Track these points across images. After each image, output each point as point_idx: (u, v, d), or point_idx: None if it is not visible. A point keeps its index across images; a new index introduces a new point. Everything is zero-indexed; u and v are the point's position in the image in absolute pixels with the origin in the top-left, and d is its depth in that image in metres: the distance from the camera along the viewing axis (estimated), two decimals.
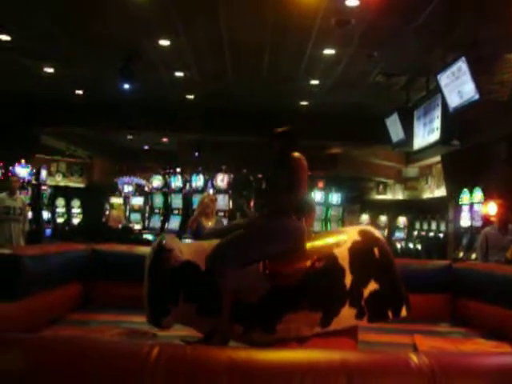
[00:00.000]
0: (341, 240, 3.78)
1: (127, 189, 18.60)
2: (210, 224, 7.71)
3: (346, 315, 3.55)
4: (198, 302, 3.50)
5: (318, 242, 3.82)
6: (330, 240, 3.85)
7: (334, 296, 3.58)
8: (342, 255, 3.64)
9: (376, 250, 3.72)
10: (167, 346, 1.63)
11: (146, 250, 5.89)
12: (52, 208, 16.66)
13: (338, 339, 3.55)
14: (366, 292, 3.59)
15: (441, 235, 14.41)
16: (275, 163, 4.00)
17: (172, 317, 3.48)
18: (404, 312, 3.70)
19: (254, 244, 3.69)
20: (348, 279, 3.58)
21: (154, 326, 3.52)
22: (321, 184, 16.07)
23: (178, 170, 15.49)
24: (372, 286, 3.61)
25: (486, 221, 9.96)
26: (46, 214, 15.68)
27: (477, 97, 8.17)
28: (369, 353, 1.73)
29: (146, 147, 22.20)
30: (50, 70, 12.05)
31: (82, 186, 21.75)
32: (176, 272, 3.53)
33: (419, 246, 15.95)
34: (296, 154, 3.91)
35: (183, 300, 3.47)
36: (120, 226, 16.30)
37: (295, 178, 3.83)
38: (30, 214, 14.35)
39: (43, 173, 15.44)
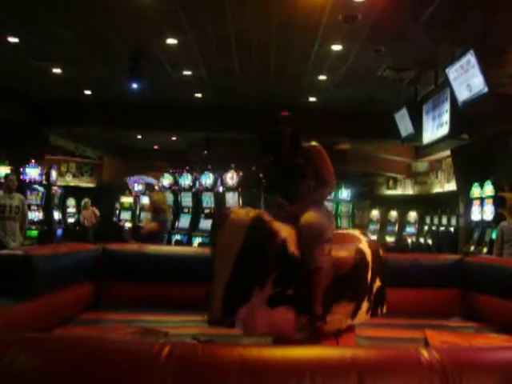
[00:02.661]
0: (357, 237, 3.94)
1: (137, 188, 18.65)
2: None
3: (364, 310, 3.71)
4: (292, 288, 3.31)
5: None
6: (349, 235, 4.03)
7: (363, 289, 3.70)
8: (367, 251, 3.77)
9: (380, 250, 3.98)
10: (178, 344, 1.63)
11: (156, 248, 5.92)
12: (63, 208, 16.72)
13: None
14: (375, 288, 3.70)
15: (451, 229, 14.37)
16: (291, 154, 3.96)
17: (247, 308, 3.21)
18: (385, 309, 3.95)
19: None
20: (369, 274, 3.73)
21: (222, 319, 3.22)
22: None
23: (188, 168, 15.52)
24: (378, 282, 3.82)
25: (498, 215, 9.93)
26: (56, 215, 15.75)
27: (486, 90, 8.12)
28: (379, 349, 1.73)
29: (156, 146, 22.26)
30: (59, 71, 12.10)
31: (92, 185, 21.84)
32: (272, 249, 3.26)
33: (430, 241, 15.91)
34: (315, 144, 3.94)
35: (272, 284, 3.24)
36: (92, 224, 16.37)
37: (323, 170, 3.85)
38: (40, 215, 14.49)
39: (53, 173, 15.50)
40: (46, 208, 14.86)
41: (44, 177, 14.87)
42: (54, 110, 15.03)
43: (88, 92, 14.14)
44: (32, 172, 14.48)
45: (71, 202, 18.25)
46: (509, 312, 4.61)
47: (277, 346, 2.03)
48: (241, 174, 13.90)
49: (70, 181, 21.18)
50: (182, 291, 5.03)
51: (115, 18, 8.92)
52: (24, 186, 13.40)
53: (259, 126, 4.07)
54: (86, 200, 17.06)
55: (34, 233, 13.83)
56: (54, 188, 15.58)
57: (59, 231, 15.54)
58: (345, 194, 15.79)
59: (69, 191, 18.05)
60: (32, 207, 13.97)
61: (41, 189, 14.75)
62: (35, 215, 14.32)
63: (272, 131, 3.98)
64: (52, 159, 18.54)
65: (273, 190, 3.94)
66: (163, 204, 8.16)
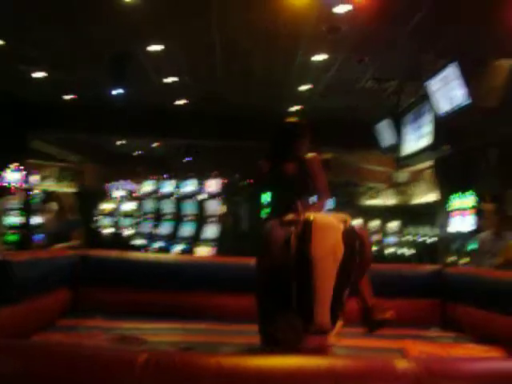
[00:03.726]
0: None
1: (118, 194, 18.55)
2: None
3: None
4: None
5: None
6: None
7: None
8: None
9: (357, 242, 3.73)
10: (155, 352, 1.63)
11: (136, 255, 5.90)
12: (43, 213, 16.55)
13: None
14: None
15: (432, 240, 14.43)
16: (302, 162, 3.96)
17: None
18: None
19: None
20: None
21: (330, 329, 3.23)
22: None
23: (169, 174, 15.48)
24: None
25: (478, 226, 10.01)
26: (36, 220, 15.60)
27: (467, 102, 8.20)
28: (356, 359, 1.74)
29: (138, 152, 22.16)
30: (42, 74, 12.02)
31: (73, 190, 21.67)
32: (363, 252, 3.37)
33: (411, 251, 15.96)
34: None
35: None
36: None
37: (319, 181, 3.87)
38: (20, 220, 14.35)
39: (34, 178, 15.36)
40: (26, 213, 14.72)
41: (24, 181, 14.74)
42: (36, 114, 14.91)
43: (71, 96, 14.05)
44: (12, 176, 14.34)
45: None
46: (487, 322, 4.64)
47: (253, 355, 2.03)
48: (223, 181, 13.88)
49: (51, 185, 21.01)
50: (161, 298, 5.02)
51: (99, 22, 8.88)
52: (4, 191, 13.28)
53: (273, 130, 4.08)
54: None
55: (14, 237, 13.69)
56: (35, 192, 15.45)
57: (38, 236, 15.38)
58: (327, 203, 15.77)
59: (50, 196, 17.87)
60: (12, 212, 13.85)
61: (21, 193, 14.61)
62: (15, 220, 14.19)
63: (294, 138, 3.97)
64: (33, 163, 18.38)
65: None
66: (71, 207, 8.08)
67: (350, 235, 3.34)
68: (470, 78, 8.09)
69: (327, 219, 3.31)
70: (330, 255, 3.14)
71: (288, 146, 4.01)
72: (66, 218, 7.84)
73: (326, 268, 3.13)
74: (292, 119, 4.20)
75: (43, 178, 19.99)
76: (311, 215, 3.33)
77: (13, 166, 14.32)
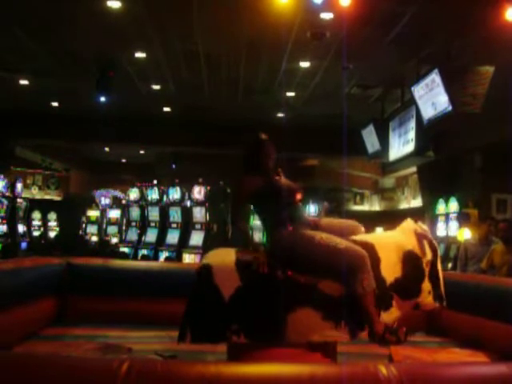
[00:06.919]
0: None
1: (104, 201, 18.49)
2: None
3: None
4: None
5: None
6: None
7: None
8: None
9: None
10: (137, 361, 1.62)
11: (122, 263, 5.87)
12: (28, 221, 16.49)
13: None
14: None
15: None
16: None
17: None
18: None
19: None
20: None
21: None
22: (298, 196, 16.07)
23: (155, 182, 15.45)
24: None
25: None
26: (21, 228, 15.51)
27: (450, 108, 8.27)
28: (338, 365, 1.74)
29: (123, 160, 22.11)
30: (25, 82, 11.98)
31: (58, 198, 21.57)
32: None
33: None
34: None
35: None
36: None
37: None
38: (4, 228, 14.26)
39: (18, 186, 15.28)
40: (11, 221, 14.64)
41: (9, 189, 14.65)
42: (20, 122, 14.83)
43: (55, 104, 14.00)
44: None
45: (36, 215, 18.00)
46: (472, 327, 4.67)
47: (235, 363, 2.03)
48: (208, 188, 13.87)
49: (36, 193, 20.89)
50: (147, 306, 5.00)
51: (83, 30, 8.87)
52: None
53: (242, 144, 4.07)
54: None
55: None
56: (19, 200, 15.37)
57: (24, 244, 15.30)
58: (312, 209, 15.84)
59: (34, 204, 17.80)
60: None
61: (5, 201, 14.53)
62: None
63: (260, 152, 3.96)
64: (17, 171, 18.29)
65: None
66: None
67: None
68: (452, 85, 8.15)
69: None
70: None
71: (268, 161, 4.02)
72: None
73: None
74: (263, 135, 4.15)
75: (28, 186, 19.90)
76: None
77: None
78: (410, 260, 3.76)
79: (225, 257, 3.66)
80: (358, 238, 3.81)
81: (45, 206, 18.60)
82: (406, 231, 3.97)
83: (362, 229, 4.06)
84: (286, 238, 3.67)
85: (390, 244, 3.84)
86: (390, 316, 3.69)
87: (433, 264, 3.84)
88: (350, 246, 3.58)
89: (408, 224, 4.05)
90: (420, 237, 3.87)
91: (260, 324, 3.41)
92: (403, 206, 18.28)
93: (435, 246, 3.95)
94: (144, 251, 14.06)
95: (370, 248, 3.66)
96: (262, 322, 3.38)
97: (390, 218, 18.14)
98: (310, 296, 3.54)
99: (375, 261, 3.63)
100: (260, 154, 3.94)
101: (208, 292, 3.48)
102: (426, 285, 3.79)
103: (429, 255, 3.81)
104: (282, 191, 3.87)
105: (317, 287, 3.56)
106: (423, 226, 4.06)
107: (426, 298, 3.82)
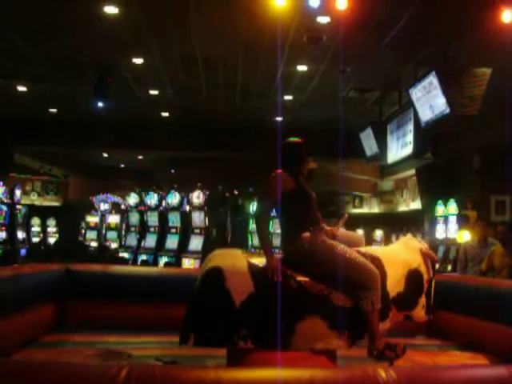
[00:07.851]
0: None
1: (103, 207, 18.48)
2: None
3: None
4: None
5: None
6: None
7: None
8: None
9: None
10: (136, 366, 1.62)
11: (121, 269, 5.87)
12: (27, 227, 16.47)
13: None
14: None
15: None
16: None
17: None
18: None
19: None
20: None
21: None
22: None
23: (154, 187, 15.43)
24: None
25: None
26: (20, 234, 15.49)
27: (447, 111, 8.27)
28: (337, 369, 1.74)
29: (122, 165, 22.10)
30: (23, 89, 11.98)
31: (57, 204, 21.56)
32: None
33: None
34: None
35: None
36: None
37: None
38: (3, 234, 14.25)
39: (17, 192, 15.26)
40: (10, 227, 14.62)
41: (8, 195, 14.64)
42: (19, 129, 14.83)
43: (53, 110, 14.00)
44: None
45: (36, 221, 18.00)
46: (472, 329, 4.67)
47: (234, 368, 2.02)
48: (207, 192, 13.86)
49: (35, 199, 20.89)
50: (146, 312, 4.99)
51: (81, 36, 8.87)
52: None
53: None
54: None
55: None
56: (18, 207, 15.35)
57: (23, 251, 15.28)
58: None
59: (33, 210, 17.79)
60: None
61: (4, 208, 14.52)
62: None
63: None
64: (16, 178, 18.28)
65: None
66: None
67: None
68: (450, 87, 8.15)
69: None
70: None
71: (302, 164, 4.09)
72: None
73: None
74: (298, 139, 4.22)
75: (27, 192, 19.89)
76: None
77: None
78: (414, 278, 3.89)
79: (234, 260, 3.65)
80: (364, 250, 3.86)
81: (44, 213, 18.59)
82: (410, 248, 4.08)
83: (363, 239, 4.29)
84: (307, 243, 3.68)
85: (397, 260, 3.92)
86: (384, 326, 3.73)
87: (431, 281, 4.02)
88: (367, 262, 3.66)
89: (412, 242, 4.19)
90: (425, 256, 4.04)
91: (268, 331, 3.40)
92: (402, 208, 18.30)
93: (436, 263, 4.20)
94: (143, 256, 14.03)
95: (377, 262, 3.75)
96: (271, 328, 3.37)
97: (389, 221, 18.19)
98: (320, 306, 3.58)
99: (382, 276, 3.69)
100: (298, 157, 4.00)
101: (217, 295, 3.46)
102: (422, 299, 3.95)
103: (430, 274, 4.00)
104: (310, 198, 3.92)
105: (328, 298, 3.59)
106: (425, 245, 4.24)
107: (420, 311, 3.97)
